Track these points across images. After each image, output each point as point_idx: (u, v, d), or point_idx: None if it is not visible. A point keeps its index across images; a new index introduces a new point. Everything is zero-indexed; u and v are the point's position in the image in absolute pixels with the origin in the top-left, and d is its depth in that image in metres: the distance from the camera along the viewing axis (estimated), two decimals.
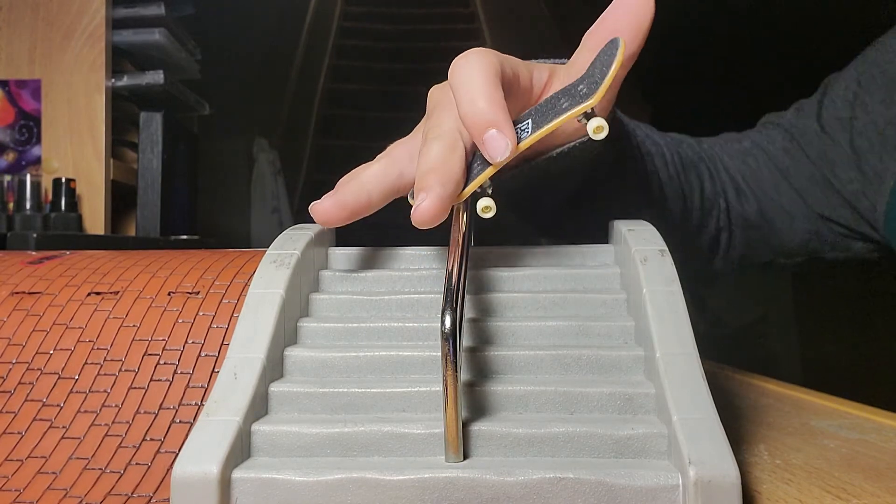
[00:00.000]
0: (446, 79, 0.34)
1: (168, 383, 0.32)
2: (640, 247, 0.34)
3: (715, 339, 1.19)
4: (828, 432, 0.39)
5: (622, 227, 0.37)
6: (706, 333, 1.17)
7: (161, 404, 0.31)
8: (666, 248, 0.34)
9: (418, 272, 0.37)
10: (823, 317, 1.00)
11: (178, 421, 0.30)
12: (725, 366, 0.64)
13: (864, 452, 0.35)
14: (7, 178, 0.82)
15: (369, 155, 0.37)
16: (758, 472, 0.32)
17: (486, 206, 0.33)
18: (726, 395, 0.49)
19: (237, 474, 0.26)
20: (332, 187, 0.36)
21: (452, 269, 0.29)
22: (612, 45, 0.32)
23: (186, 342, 0.33)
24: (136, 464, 0.29)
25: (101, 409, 0.31)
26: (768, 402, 0.47)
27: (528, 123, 0.33)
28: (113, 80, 0.88)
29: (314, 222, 0.36)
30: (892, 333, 0.87)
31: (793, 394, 0.50)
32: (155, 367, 0.32)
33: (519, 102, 0.37)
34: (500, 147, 0.31)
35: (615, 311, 0.35)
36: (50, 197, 0.82)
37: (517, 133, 0.32)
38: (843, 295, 0.96)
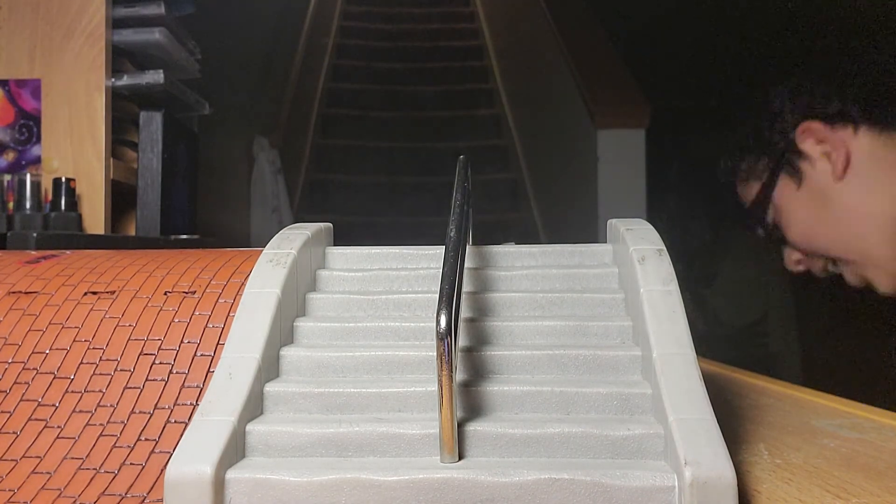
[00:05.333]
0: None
1: (163, 383, 0.32)
2: (638, 246, 0.33)
3: (715, 339, 1.18)
4: (828, 432, 0.39)
5: (621, 227, 0.36)
6: (706, 333, 1.17)
7: (156, 404, 0.31)
8: (664, 247, 0.34)
9: (416, 271, 0.37)
10: (823, 317, 1.00)
11: (173, 421, 0.30)
12: (725, 366, 0.64)
13: (864, 452, 0.35)
14: (7, 177, 0.82)
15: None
16: (758, 471, 0.32)
17: None
18: (726, 395, 0.49)
19: (231, 474, 0.25)
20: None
21: (448, 268, 0.29)
22: None
23: (182, 342, 0.33)
24: (131, 464, 0.28)
25: (96, 409, 0.31)
26: (768, 401, 0.47)
27: None
28: (113, 80, 0.87)
29: (313, 221, 0.36)
30: (892, 333, 0.86)
31: (793, 393, 0.50)
32: (150, 367, 0.32)
33: None
34: None
35: (613, 311, 0.34)
36: (50, 196, 0.81)
37: None
38: (844, 295, 0.95)
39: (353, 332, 0.33)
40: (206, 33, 1.06)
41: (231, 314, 0.34)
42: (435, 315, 0.26)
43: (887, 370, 0.82)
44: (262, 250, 0.36)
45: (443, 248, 0.30)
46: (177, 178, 0.96)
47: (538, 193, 1.90)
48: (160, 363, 0.32)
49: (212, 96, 1.04)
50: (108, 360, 0.33)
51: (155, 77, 0.89)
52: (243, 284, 0.35)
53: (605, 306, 0.34)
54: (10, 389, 0.32)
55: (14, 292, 0.36)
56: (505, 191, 2.01)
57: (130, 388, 0.31)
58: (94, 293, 0.36)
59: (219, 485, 0.25)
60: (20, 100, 0.87)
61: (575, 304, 0.34)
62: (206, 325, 0.34)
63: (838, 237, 0.75)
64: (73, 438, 0.30)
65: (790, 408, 0.45)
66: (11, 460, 0.29)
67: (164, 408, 0.31)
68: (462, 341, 0.32)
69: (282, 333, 0.32)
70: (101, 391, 0.31)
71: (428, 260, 0.38)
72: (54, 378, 0.32)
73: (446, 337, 0.26)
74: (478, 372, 0.31)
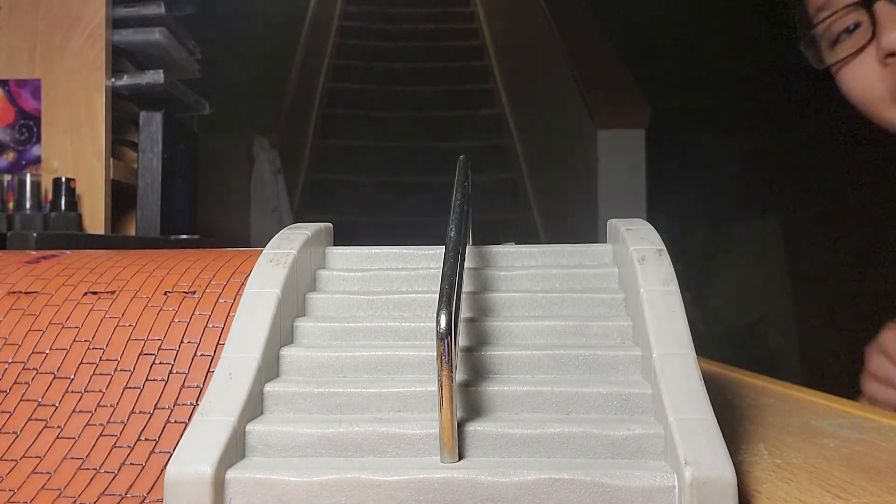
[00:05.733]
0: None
1: (163, 383, 0.32)
2: (638, 246, 0.33)
3: (715, 339, 1.18)
4: (828, 432, 0.39)
5: (621, 227, 0.36)
6: (706, 333, 1.17)
7: (156, 404, 0.31)
8: (664, 247, 0.34)
9: (416, 271, 0.37)
10: (823, 317, 1.00)
11: (173, 421, 0.30)
12: (725, 366, 0.64)
13: (864, 452, 0.35)
14: (7, 177, 0.82)
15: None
16: (758, 471, 0.32)
17: None
18: (726, 395, 0.49)
19: (231, 475, 0.25)
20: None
21: (448, 268, 0.29)
22: None
23: (182, 342, 0.33)
24: (131, 464, 0.28)
25: (96, 409, 0.31)
26: (769, 401, 0.47)
27: None
28: (113, 80, 0.87)
29: (313, 221, 0.36)
30: None
31: (793, 393, 0.50)
32: (150, 367, 0.32)
33: None
34: None
35: (613, 311, 0.34)
36: (50, 196, 0.81)
37: None
38: (844, 295, 0.95)
39: (353, 332, 0.33)
40: (206, 33, 1.06)
41: (231, 314, 0.34)
42: (435, 315, 0.26)
43: None
44: (262, 250, 0.36)
45: (443, 248, 0.30)
46: (177, 178, 0.96)
47: (538, 193, 1.90)
48: (160, 363, 0.32)
49: (212, 96, 1.04)
50: (108, 360, 0.33)
51: (155, 77, 0.89)
52: (243, 284, 0.35)
53: (605, 306, 0.34)
54: (10, 389, 0.32)
55: (14, 292, 0.36)
56: (505, 191, 2.01)
57: (130, 388, 0.31)
58: (94, 293, 0.36)
59: (219, 485, 0.25)
60: (20, 100, 0.87)
61: (575, 304, 0.34)
62: (206, 325, 0.34)
63: None
64: (73, 438, 0.30)
65: (790, 408, 0.45)
66: (11, 460, 0.29)
67: (164, 408, 0.31)
68: (462, 341, 0.32)
69: (282, 333, 0.32)
70: (101, 391, 0.31)
71: (428, 260, 0.38)
72: (54, 378, 0.32)
73: (446, 337, 0.26)
74: (478, 372, 0.31)
